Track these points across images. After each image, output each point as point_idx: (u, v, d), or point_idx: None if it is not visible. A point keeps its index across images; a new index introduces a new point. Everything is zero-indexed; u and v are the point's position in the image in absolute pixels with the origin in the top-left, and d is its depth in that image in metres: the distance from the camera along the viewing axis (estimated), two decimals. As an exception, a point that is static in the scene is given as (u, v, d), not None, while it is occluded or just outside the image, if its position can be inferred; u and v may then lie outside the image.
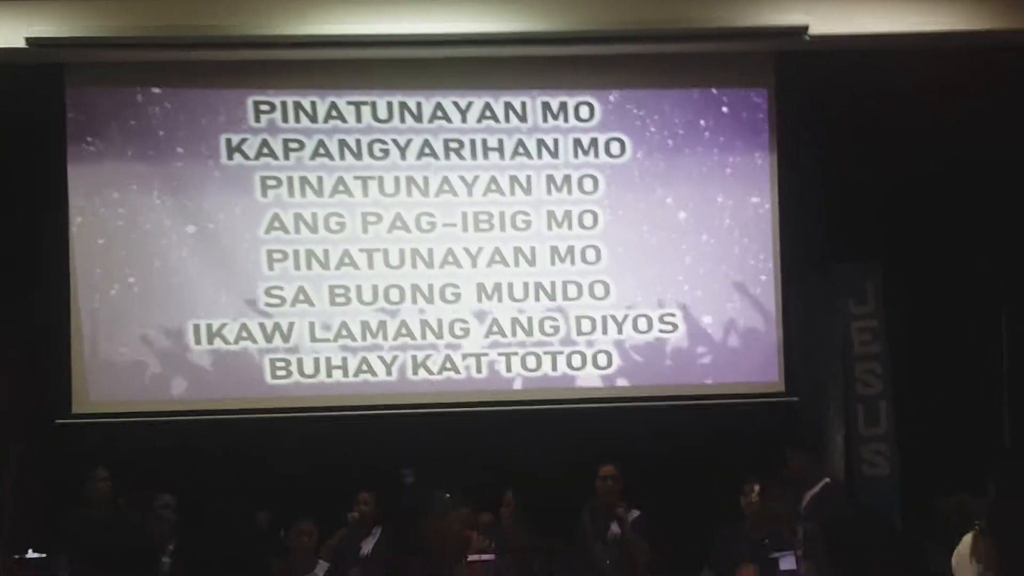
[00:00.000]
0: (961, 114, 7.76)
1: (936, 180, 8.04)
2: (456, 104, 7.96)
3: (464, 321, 7.95)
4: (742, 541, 6.42)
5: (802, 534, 6.24)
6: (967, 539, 5.15)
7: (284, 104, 7.89)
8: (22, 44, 7.14)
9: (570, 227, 7.98)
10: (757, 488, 6.53)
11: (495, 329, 7.95)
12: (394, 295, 7.91)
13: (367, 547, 7.26)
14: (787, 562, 6.09)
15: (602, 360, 8.01)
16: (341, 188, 7.90)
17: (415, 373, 7.92)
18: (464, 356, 7.94)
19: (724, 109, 8.07)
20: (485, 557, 6.57)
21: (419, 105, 7.94)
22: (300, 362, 7.87)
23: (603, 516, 7.06)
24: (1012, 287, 8.39)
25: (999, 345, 8.39)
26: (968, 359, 8.12)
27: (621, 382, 8.02)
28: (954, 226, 8.08)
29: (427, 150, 7.94)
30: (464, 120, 7.96)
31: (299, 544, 7.01)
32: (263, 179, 7.88)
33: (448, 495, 6.69)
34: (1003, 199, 8.09)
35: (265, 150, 7.88)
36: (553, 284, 7.99)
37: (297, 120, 7.91)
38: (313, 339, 7.87)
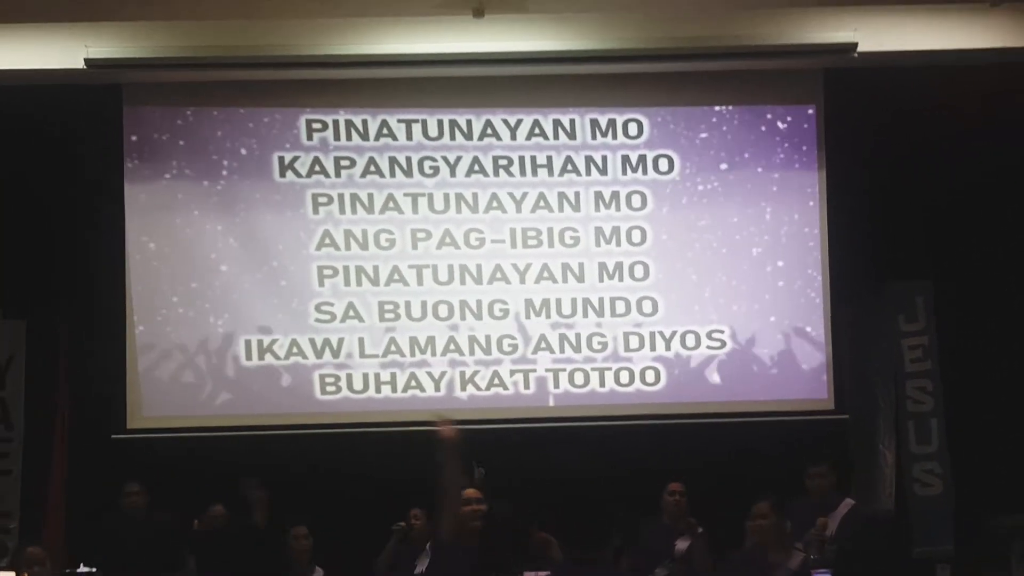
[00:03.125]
0: (1013, 130, 7.71)
1: (986, 196, 7.98)
2: (505, 121, 8.06)
3: (512, 337, 7.99)
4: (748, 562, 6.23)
5: (835, 552, 6.16)
6: None
7: (336, 122, 8.03)
8: (81, 65, 7.31)
9: (618, 243, 8.02)
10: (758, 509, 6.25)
11: (543, 345, 7.99)
12: (443, 311, 7.97)
13: (422, 566, 7.20)
14: None
15: (650, 376, 8.01)
16: (391, 205, 8.00)
17: (463, 389, 7.97)
18: (512, 372, 7.98)
19: (772, 126, 8.10)
20: (541, 574, 6.48)
21: (469, 123, 8.04)
22: (350, 378, 7.95)
23: (668, 532, 6.96)
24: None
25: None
26: (1020, 375, 8.01)
27: (669, 399, 8.01)
28: (1005, 242, 8.01)
29: (476, 167, 8.03)
30: (513, 137, 8.05)
31: (296, 548, 6.88)
32: (314, 196, 7.99)
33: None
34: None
35: (317, 168, 8.01)
36: (601, 300, 8.02)
37: (348, 138, 8.03)
38: (363, 355, 7.95)
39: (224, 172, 7.97)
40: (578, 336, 8.00)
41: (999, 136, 7.79)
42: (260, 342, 7.93)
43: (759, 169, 8.07)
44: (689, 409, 8.02)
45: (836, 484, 6.81)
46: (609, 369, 8.00)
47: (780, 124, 8.11)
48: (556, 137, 8.04)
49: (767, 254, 8.06)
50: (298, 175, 8.00)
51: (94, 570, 7.22)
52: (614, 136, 8.04)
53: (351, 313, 7.96)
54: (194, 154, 7.98)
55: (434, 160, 8.01)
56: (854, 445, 7.87)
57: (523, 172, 8.02)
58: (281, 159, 8.00)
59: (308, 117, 8.01)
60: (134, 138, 7.97)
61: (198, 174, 7.97)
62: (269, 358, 7.93)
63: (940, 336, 7.82)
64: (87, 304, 8.09)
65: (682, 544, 6.56)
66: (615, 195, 8.03)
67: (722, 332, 8.03)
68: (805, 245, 8.06)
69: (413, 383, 7.96)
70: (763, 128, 8.10)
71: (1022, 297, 8.12)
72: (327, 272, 7.97)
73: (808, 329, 8.04)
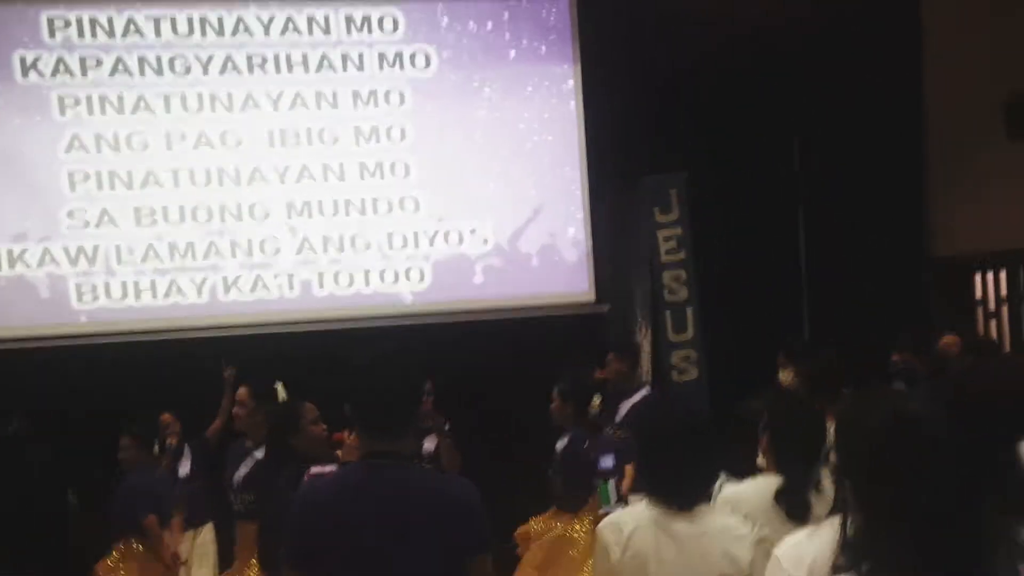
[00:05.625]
0: (764, 19, 7.84)
1: (739, 88, 8.14)
2: (258, 18, 7.83)
3: (274, 239, 7.89)
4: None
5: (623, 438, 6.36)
6: None
7: (79, 20, 7.68)
8: None
9: (378, 141, 7.96)
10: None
11: (306, 247, 7.92)
12: (202, 215, 7.81)
13: (184, 468, 7.20)
14: (606, 461, 6.12)
15: (414, 275, 8.04)
16: (142, 105, 7.73)
17: (226, 293, 7.86)
18: (275, 275, 7.90)
19: (527, 19, 8.10)
20: (328, 468, 6.48)
21: (220, 20, 7.79)
22: (107, 285, 7.74)
23: (418, 431, 7.01)
24: (808, 189, 8.64)
25: (796, 247, 8.65)
26: (768, 262, 8.32)
27: (433, 297, 8.07)
28: (754, 131, 8.21)
29: (230, 65, 7.81)
30: (267, 34, 7.85)
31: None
32: (60, 98, 7.66)
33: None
34: (802, 108, 8.28)
35: (61, 67, 7.66)
36: (363, 200, 7.98)
37: (94, 36, 7.69)
38: (120, 262, 7.74)
39: (-40, 73, 7.57)
40: (341, 237, 7.95)
41: (749, 26, 7.91)
42: (10, 251, 7.63)
43: (517, 64, 8.08)
44: (454, 307, 8.08)
45: (631, 370, 6.94)
46: (372, 269, 8.00)
47: (535, 17, 8.11)
48: (311, 33, 7.87)
49: (527, 150, 8.11)
50: (41, 75, 7.64)
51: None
52: (369, 32, 7.92)
53: (105, 218, 7.72)
54: (-73, 54, 7.54)
55: (185, 58, 7.76)
56: (613, 335, 8.08)
57: (278, 70, 7.84)
58: (23, 59, 7.62)
59: (49, 14, 7.63)
60: None
61: (-67, 76, 7.55)
62: (20, 267, 7.65)
63: (693, 227, 8.02)
64: None
65: (429, 444, 6.60)
66: (373, 93, 7.94)
67: (485, 229, 8.09)
68: (564, 140, 8.14)
69: (174, 289, 7.80)
70: (518, 21, 8.09)
71: (769, 185, 8.41)
72: (78, 176, 7.69)
73: (569, 223, 8.16)
